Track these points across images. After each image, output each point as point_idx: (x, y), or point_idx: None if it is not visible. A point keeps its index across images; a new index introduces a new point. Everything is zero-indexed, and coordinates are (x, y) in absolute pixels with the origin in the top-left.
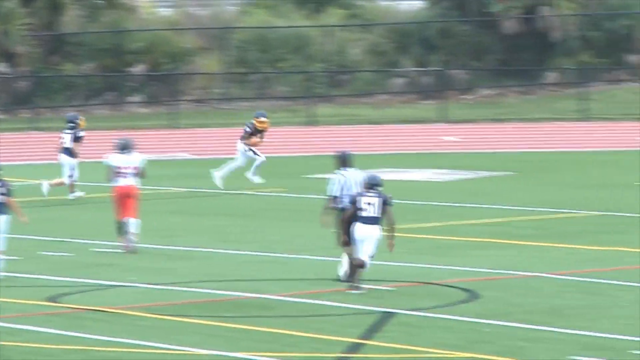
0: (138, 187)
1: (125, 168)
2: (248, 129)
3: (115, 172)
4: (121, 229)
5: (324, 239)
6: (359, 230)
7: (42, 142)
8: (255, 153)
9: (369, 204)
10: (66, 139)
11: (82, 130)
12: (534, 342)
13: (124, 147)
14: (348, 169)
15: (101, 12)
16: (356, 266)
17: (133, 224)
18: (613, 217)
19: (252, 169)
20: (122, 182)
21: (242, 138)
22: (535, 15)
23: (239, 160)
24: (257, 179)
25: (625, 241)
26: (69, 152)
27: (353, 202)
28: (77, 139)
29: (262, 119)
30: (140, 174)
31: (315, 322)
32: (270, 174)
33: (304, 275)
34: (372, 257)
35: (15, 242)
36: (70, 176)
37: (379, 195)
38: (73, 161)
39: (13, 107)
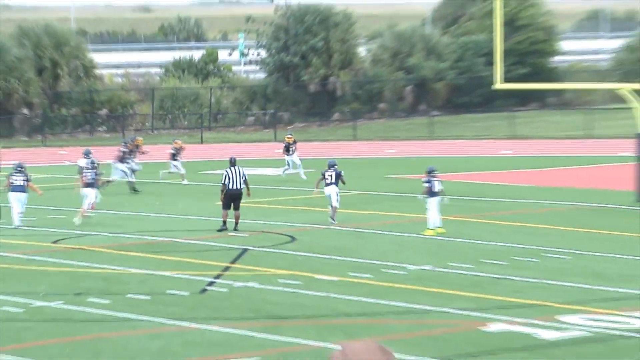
0: (96, 177)
1: (87, 168)
2: (285, 144)
3: (81, 169)
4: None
5: (210, 207)
6: (326, 189)
7: (48, 154)
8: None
9: (330, 175)
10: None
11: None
12: (326, 265)
13: (87, 154)
14: (233, 167)
15: (83, 79)
16: (333, 208)
17: (95, 197)
18: (371, 195)
19: (299, 172)
20: (86, 175)
21: (284, 152)
22: (327, 82)
23: (294, 164)
24: (303, 176)
25: (379, 208)
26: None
27: (323, 174)
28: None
29: (288, 135)
30: (96, 169)
31: (203, 254)
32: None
33: (198, 227)
34: (338, 201)
35: (32, 209)
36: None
37: (335, 170)
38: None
39: (31, 134)
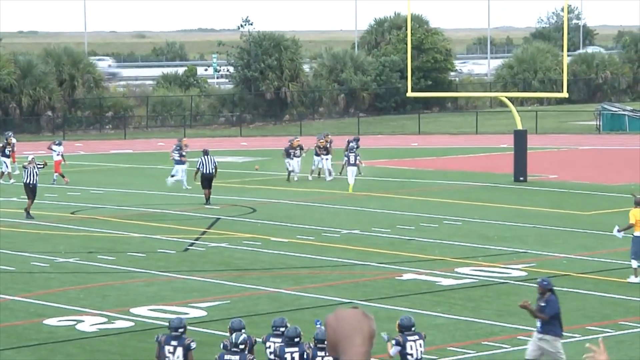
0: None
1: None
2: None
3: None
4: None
5: (190, 185)
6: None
7: (67, 146)
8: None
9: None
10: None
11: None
12: (279, 230)
13: (58, 143)
14: (205, 156)
15: (93, 89)
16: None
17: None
18: (312, 177)
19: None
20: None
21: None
22: (279, 91)
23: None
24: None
25: (319, 186)
26: None
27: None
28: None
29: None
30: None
31: (186, 222)
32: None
33: (182, 202)
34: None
35: (56, 188)
36: None
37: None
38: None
39: (54, 131)
